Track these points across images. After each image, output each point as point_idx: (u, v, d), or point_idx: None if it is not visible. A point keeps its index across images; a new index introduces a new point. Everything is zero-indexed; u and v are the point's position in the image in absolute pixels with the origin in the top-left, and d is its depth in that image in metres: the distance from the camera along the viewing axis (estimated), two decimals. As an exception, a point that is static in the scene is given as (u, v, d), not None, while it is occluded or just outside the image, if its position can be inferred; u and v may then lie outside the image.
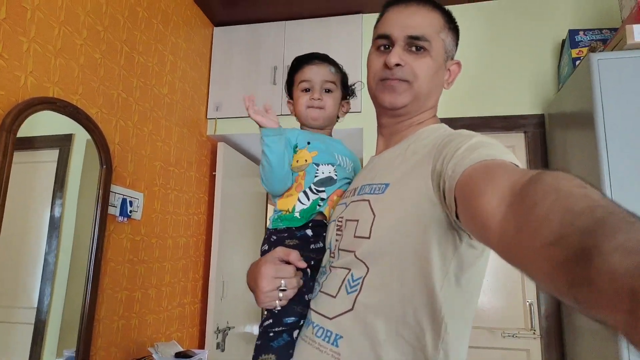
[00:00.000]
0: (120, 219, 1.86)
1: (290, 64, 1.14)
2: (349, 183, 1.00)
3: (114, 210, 1.82)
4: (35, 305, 1.50)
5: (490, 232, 0.51)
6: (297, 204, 0.97)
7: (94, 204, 1.72)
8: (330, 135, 1.13)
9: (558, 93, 2.19)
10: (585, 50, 2.04)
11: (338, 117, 1.14)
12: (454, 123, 0.93)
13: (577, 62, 1.98)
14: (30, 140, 1.45)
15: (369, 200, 0.79)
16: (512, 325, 2.25)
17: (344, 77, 1.13)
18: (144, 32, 2.09)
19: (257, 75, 2.68)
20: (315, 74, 1.07)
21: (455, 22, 0.90)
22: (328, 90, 1.08)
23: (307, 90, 1.07)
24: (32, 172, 1.52)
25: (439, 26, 0.85)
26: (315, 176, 0.99)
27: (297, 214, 0.96)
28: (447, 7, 0.89)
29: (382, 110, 0.90)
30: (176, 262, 2.33)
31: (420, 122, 0.88)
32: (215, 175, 2.67)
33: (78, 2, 1.67)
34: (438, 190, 0.67)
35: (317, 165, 0.99)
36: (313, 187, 0.98)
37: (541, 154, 2.32)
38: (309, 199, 0.97)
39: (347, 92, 1.14)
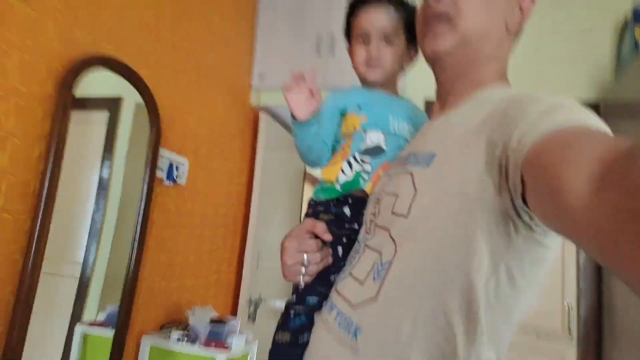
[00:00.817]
0: (167, 182, 1.88)
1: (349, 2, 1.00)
2: None
3: (160, 174, 1.84)
4: (81, 261, 1.55)
5: (576, 222, 0.39)
6: (339, 174, 0.89)
7: (143, 166, 1.74)
8: (395, 91, 1.00)
9: (617, 79, 2.02)
10: (655, 31, 1.88)
11: (404, 68, 1.00)
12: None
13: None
14: (81, 100, 1.46)
15: (411, 174, 0.68)
16: (547, 325, 2.12)
17: (408, 16, 0.93)
18: (192, -4, 2.06)
19: (301, 45, 2.56)
20: (371, 23, 0.93)
21: None
22: (388, 40, 0.94)
23: (364, 41, 0.95)
24: (83, 132, 1.54)
25: None
26: (363, 143, 0.89)
27: (338, 186, 0.89)
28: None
29: (430, 64, 0.76)
30: (216, 230, 2.35)
31: (481, 81, 0.71)
32: (256, 147, 2.66)
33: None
34: (498, 166, 0.55)
35: (365, 131, 0.90)
36: (357, 155, 0.89)
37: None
38: (352, 169, 0.88)
39: (413, 35, 0.90)
